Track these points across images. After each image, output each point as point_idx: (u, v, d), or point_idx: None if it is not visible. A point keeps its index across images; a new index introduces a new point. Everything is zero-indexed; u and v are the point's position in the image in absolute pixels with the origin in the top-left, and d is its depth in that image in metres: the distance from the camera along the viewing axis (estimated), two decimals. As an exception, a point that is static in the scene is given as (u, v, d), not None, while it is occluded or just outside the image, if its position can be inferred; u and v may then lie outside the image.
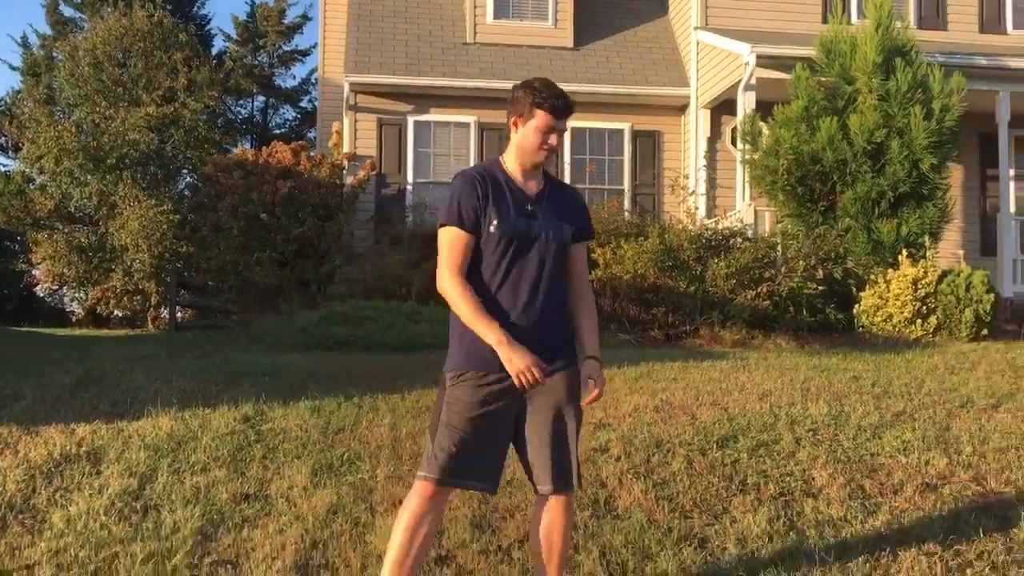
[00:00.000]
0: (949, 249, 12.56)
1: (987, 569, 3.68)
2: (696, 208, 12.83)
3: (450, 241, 3.00)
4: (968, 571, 3.66)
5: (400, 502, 4.37)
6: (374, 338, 9.23)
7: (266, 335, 9.90)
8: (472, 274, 3.02)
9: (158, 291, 15.71)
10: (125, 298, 16.46)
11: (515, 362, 2.85)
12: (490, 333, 2.87)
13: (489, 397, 2.92)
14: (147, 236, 13.34)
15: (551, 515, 3.09)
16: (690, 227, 11.52)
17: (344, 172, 13.05)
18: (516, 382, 2.86)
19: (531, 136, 2.98)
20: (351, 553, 3.72)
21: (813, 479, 4.80)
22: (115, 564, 3.55)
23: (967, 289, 10.47)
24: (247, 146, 24.40)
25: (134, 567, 3.52)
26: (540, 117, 2.95)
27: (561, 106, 2.97)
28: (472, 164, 13.72)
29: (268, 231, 12.08)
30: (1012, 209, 13.06)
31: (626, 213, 13.44)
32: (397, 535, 2.93)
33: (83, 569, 3.51)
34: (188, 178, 17.20)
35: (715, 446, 5.44)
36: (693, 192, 12.82)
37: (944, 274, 10.77)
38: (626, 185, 14.43)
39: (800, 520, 4.24)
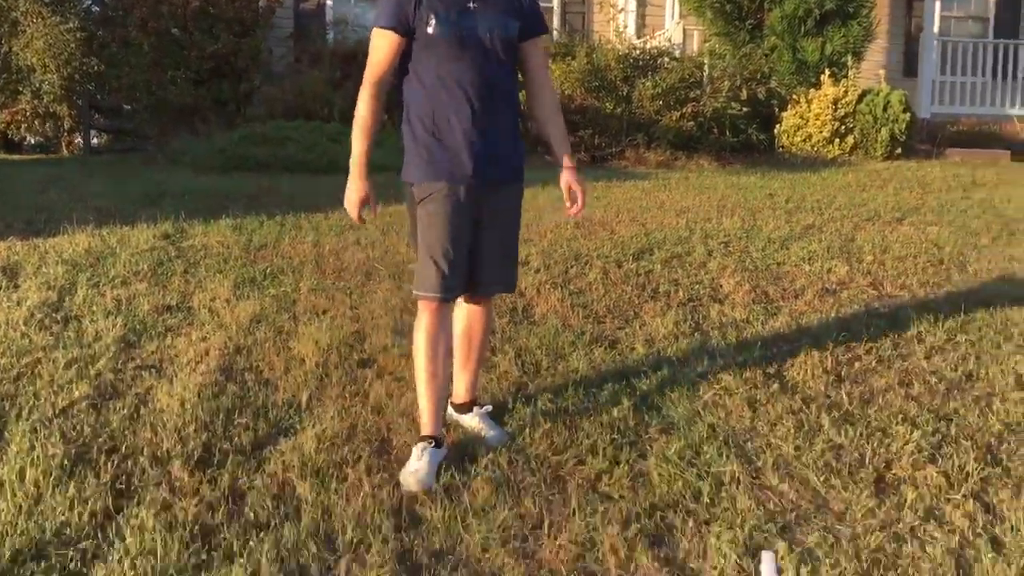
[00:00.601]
0: (872, 69, 12.68)
1: (874, 362, 3.96)
2: (625, 27, 12.63)
3: (376, 46, 2.86)
4: (856, 364, 3.93)
5: (323, 312, 4.48)
6: (295, 159, 9.10)
7: (183, 156, 9.68)
8: (412, 80, 2.88)
9: (71, 115, 15.02)
10: (36, 122, 15.71)
11: (347, 195, 2.87)
12: (353, 155, 2.85)
13: (457, 207, 2.87)
14: (54, 56, 12.62)
15: (475, 316, 3.16)
16: (618, 47, 11.37)
17: (259, -15, 12.42)
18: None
19: None
20: (275, 358, 3.83)
21: (721, 287, 5.03)
22: (38, 369, 3.61)
23: (885, 109, 10.67)
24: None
25: (57, 372, 3.58)
26: None
27: None
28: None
29: (181, 48, 11.55)
30: (936, 29, 13.14)
31: (555, 32, 13.17)
32: (418, 352, 2.94)
33: (5, 375, 3.56)
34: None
35: (631, 258, 5.62)
36: (622, 10, 12.59)
37: (864, 94, 10.94)
38: (555, 2, 14.06)
39: (705, 323, 4.47)
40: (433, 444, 2.91)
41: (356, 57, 10.91)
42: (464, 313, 3.18)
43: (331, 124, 10.10)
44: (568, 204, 3.07)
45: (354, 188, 2.88)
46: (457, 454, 3.01)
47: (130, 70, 11.65)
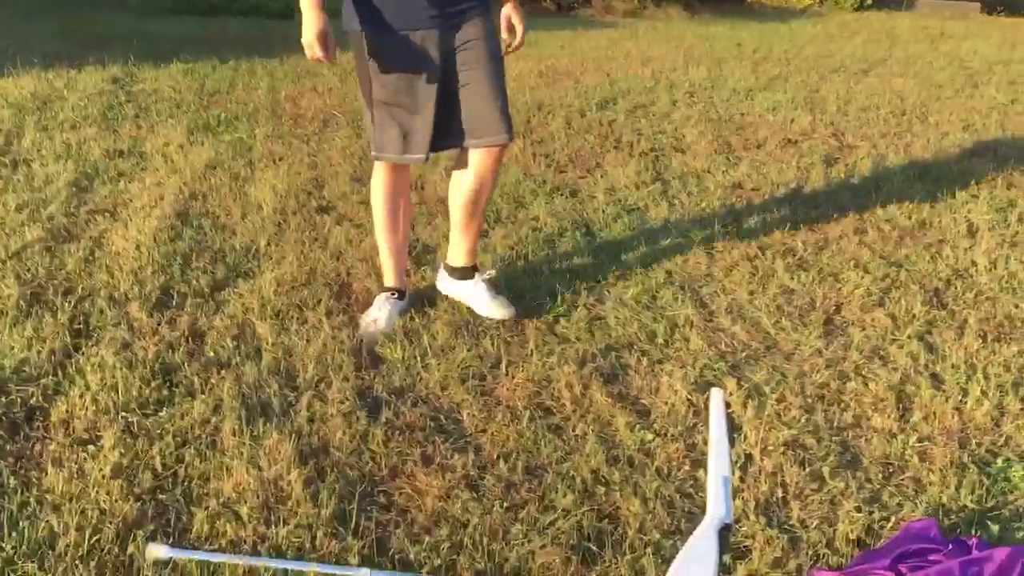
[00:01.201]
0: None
1: (831, 209, 4.00)
2: None
3: None
4: (813, 212, 3.98)
5: (280, 159, 4.40)
6: (248, 3, 8.74)
7: (131, -2, 9.25)
8: None
9: (7, -48, 14.19)
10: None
11: (304, 32, 2.43)
12: None
13: (414, 54, 2.54)
14: None
15: (485, 166, 2.77)
16: None
17: None
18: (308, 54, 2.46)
19: None
20: (231, 203, 3.78)
21: (684, 137, 5.00)
22: (-13, 213, 3.54)
23: (858, -43, 10.40)
24: None
25: (8, 215, 3.51)
26: None
27: None
28: None
29: None
30: None
31: None
32: (377, 209, 2.83)
33: (-46, 219, 3.48)
34: None
35: (595, 108, 5.55)
36: None
37: (837, -59, 10.63)
38: None
39: (667, 172, 4.46)
40: (396, 296, 2.91)
41: None
42: (463, 171, 2.81)
43: (285, -35, 9.65)
44: (505, 37, 2.75)
45: (309, 22, 2.43)
46: (417, 298, 3.03)
47: (69, -97, 10.94)
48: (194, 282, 3.04)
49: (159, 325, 2.74)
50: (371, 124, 2.68)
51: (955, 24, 9.76)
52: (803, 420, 2.40)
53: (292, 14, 9.15)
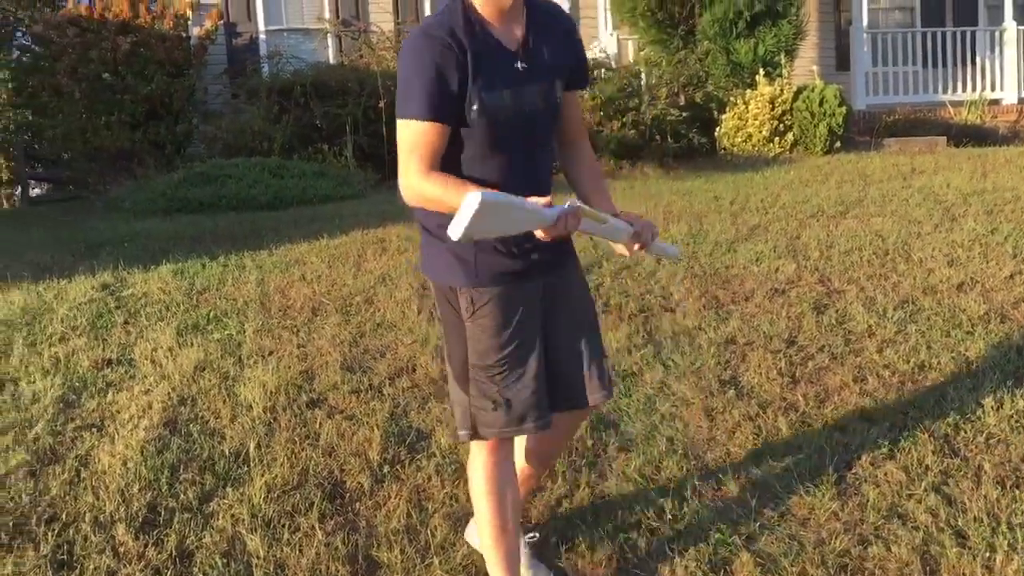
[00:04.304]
0: (805, 66, 12.85)
1: (827, 360, 3.95)
2: (560, 41, 12.67)
3: (413, 138, 2.11)
4: (810, 363, 3.93)
5: (269, 353, 4.38)
6: (239, 197, 8.95)
7: (123, 202, 9.48)
8: (447, 166, 2.15)
9: (8, 167, 14.74)
10: (-28, 176, 15.38)
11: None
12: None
13: (516, 314, 2.23)
14: (-16, 108, 12.39)
15: (574, 424, 2.55)
16: (555, 61, 11.41)
17: (189, 23, 12.28)
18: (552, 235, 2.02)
19: None
20: (221, 405, 3.72)
21: (671, 295, 5.01)
22: (-29, 439, 3.47)
23: (821, 104, 10.80)
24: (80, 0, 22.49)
25: (-8, 440, 3.44)
26: None
27: None
28: (328, 6, 13.06)
29: (114, 92, 11.35)
30: (865, 23, 13.37)
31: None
32: (481, 508, 2.30)
33: (-62, 448, 3.41)
34: (23, 41, 15.85)
35: (581, 272, 5.58)
36: (556, 24, 12.63)
37: (799, 91, 11.06)
38: (489, 21, 14.06)
39: (658, 333, 4.43)
40: None
41: (293, 89, 10.81)
42: (541, 436, 2.46)
43: (271, 159, 9.97)
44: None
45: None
46: (414, 491, 2.93)
47: (64, 118, 11.43)
48: (182, 495, 2.94)
49: (146, 548, 2.62)
50: (465, 396, 2.26)
51: (924, 159, 10.04)
52: (827, 596, 2.27)
53: (280, 205, 9.39)
